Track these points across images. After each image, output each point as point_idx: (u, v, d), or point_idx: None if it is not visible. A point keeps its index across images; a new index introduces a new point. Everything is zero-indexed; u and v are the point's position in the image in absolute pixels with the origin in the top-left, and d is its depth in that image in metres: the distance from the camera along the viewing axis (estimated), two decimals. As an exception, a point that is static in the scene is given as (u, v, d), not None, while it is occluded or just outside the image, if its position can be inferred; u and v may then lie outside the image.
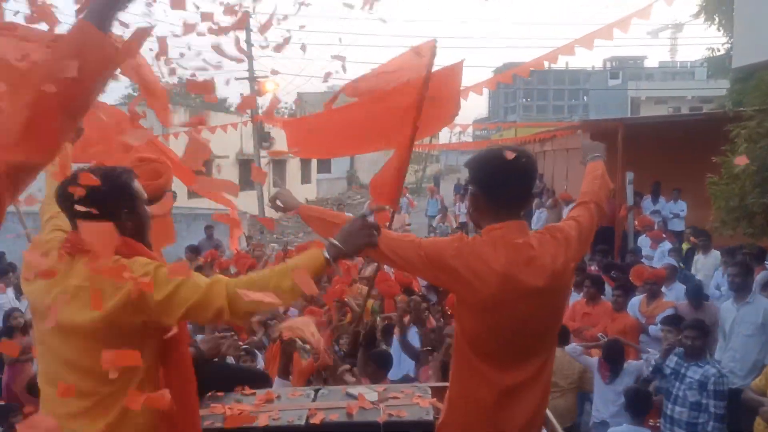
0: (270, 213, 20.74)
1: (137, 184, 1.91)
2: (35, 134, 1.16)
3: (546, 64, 4.95)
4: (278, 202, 2.19)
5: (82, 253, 1.75)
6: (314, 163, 28.17)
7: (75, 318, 1.72)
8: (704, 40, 25.32)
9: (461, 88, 5.03)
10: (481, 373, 1.90)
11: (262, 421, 2.25)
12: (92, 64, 1.23)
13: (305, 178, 27.68)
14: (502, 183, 1.89)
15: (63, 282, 1.76)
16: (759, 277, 6.16)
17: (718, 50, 15.60)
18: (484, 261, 1.82)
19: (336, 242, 1.83)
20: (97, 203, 1.73)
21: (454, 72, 4.84)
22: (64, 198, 1.80)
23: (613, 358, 4.83)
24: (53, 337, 1.78)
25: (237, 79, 20.12)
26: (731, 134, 7.19)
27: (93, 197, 1.71)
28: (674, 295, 6.48)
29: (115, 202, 1.82)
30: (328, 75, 6.50)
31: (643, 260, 8.76)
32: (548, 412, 2.24)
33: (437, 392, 2.48)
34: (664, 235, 9.39)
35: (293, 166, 25.58)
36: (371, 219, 1.94)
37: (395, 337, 4.85)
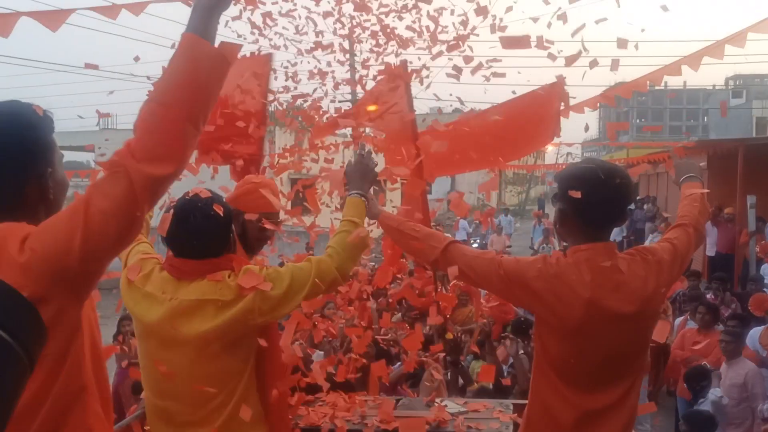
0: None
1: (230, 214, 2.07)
2: (168, 147, 1.27)
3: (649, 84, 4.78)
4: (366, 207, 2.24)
5: (190, 277, 1.94)
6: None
7: (199, 328, 1.88)
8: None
9: (573, 105, 4.97)
10: (562, 394, 1.85)
11: (340, 424, 2.32)
12: (205, 73, 1.29)
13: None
14: (594, 203, 1.82)
15: (172, 300, 1.92)
16: None
17: None
18: (568, 285, 1.78)
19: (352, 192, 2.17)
20: (221, 234, 2.00)
21: (554, 90, 4.80)
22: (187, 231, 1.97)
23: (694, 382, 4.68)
24: (163, 351, 1.93)
25: (341, 101, 20.78)
26: None
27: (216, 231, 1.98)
28: None
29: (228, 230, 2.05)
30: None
31: (766, 290, 8.14)
32: None
33: (519, 409, 2.46)
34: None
35: (391, 187, 25.86)
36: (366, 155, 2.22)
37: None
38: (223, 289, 1.90)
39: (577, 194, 1.81)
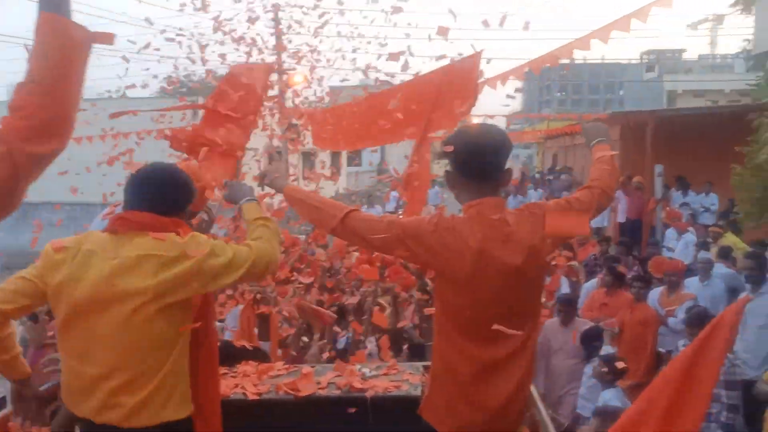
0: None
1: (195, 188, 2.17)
2: (50, 128, 1.31)
3: (579, 56, 4.93)
4: (266, 180, 2.29)
5: (135, 230, 1.93)
6: (344, 155, 28.34)
7: (139, 284, 1.86)
8: (745, 31, 24.57)
9: (485, 79, 5.08)
10: (462, 348, 1.95)
11: (251, 393, 2.33)
12: (69, 51, 1.32)
13: (334, 171, 27.84)
14: (470, 157, 1.95)
15: (114, 259, 1.89)
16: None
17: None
18: (460, 237, 1.88)
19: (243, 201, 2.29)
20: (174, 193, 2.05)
21: (471, 63, 4.90)
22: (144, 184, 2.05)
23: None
24: (96, 316, 1.88)
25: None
26: (754, 123, 7.10)
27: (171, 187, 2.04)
28: (711, 291, 6.26)
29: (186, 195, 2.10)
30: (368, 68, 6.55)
31: (669, 252, 8.71)
32: (533, 389, 2.26)
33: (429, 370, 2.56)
34: (690, 228, 9.30)
35: (323, 158, 25.76)
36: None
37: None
38: (167, 246, 1.90)
39: (450, 148, 1.96)
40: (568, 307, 5.40)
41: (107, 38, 1.37)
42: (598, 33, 4.53)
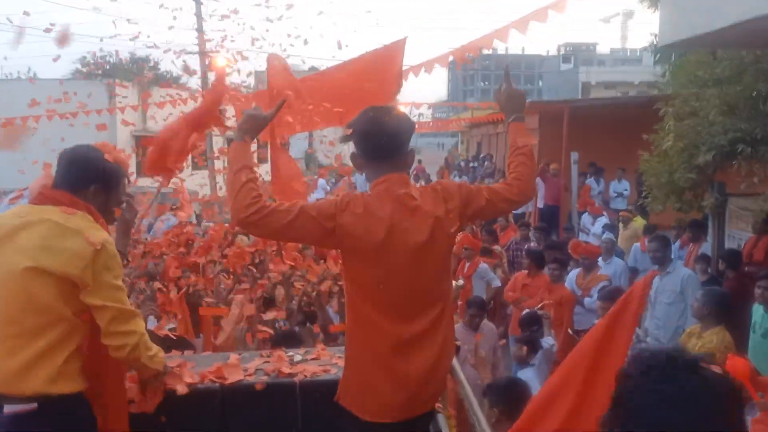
0: (224, 192, 20.47)
1: (110, 167, 2.13)
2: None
3: (504, 48, 5.03)
4: (245, 118, 2.13)
5: (49, 204, 2.00)
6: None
7: (26, 243, 1.91)
8: (652, 26, 25.96)
9: (413, 66, 5.13)
10: (376, 325, 1.97)
11: (179, 383, 2.27)
12: None
13: (262, 158, 27.36)
14: (370, 137, 2.02)
15: (20, 219, 1.97)
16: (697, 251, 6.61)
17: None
18: (370, 211, 1.94)
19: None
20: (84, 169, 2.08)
21: (396, 49, 4.94)
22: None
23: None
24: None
25: (187, 53, 19.70)
26: (660, 113, 7.53)
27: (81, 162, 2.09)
28: (612, 269, 6.78)
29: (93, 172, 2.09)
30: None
31: (584, 236, 9.16)
32: (456, 365, 2.31)
33: None
34: (603, 212, 9.78)
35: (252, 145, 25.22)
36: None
37: None
38: (69, 219, 1.96)
39: (348, 131, 2.06)
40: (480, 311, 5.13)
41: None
42: (516, 24, 4.69)
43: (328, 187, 17.29)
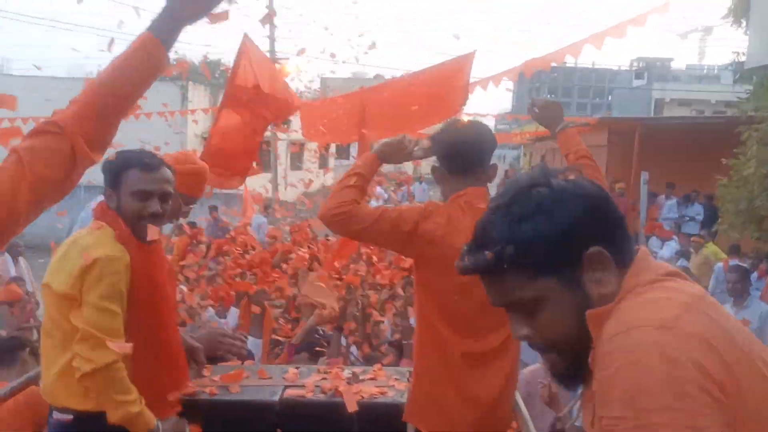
0: (287, 196, 20.87)
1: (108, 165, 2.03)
2: (109, 138, 1.33)
3: (572, 61, 4.92)
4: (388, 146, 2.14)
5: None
6: (333, 148, 28.21)
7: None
8: (733, 43, 24.84)
9: (481, 80, 5.07)
10: (447, 339, 1.94)
11: (235, 395, 2.27)
12: (151, 78, 1.32)
13: (323, 163, 27.73)
14: (455, 151, 2.00)
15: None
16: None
17: (744, 54, 15.31)
18: (452, 222, 1.92)
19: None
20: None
21: (464, 63, 4.89)
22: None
23: None
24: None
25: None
26: (743, 137, 7.16)
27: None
28: None
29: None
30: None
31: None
32: (519, 399, 2.22)
33: None
34: (674, 236, 9.37)
35: (312, 150, 25.65)
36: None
37: None
38: (88, 234, 1.94)
39: (428, 143, 2.06)
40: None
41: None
42: (592, 38, 4.54)
43: (386, 195, 17.29)
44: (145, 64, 1.30)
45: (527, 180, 1.03)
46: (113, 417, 1.85)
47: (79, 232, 2.01)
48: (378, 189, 17.42)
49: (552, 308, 0.97)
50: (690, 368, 0.79)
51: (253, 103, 4.53)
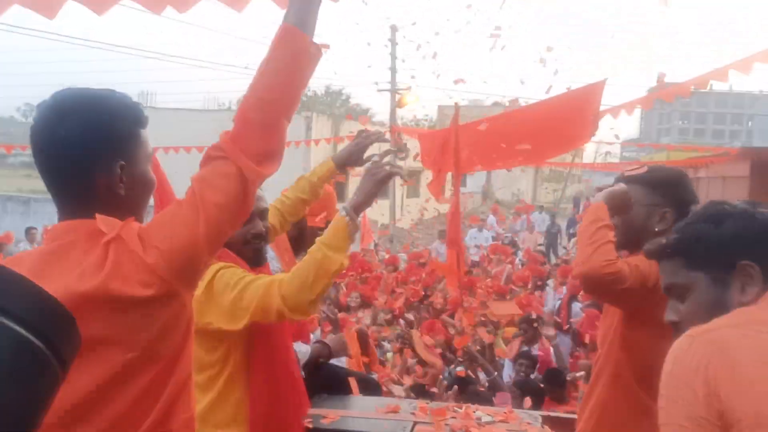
0: (402, 223, 21.10)
1: None
2: (276, 146, 1.25)
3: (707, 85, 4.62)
4: None
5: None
6: (449, 176, 28.16)
7: None
8: None
9: (612, 107, 4.90)
10: (639, 402, 1.80)
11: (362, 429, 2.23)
12: (305, 69, 1.26)
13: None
14: (692, 201, 1.93)
15: None
16: None
17: None
18: None
19: (350, 202, 1.82)
20: None
21: (594, 91, 4.74)
22: None
23: None
24: None
25: (379, 90, 20.81)
26: None
27: None
28: None
29: None
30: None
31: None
32: None
33: (548, 421, 2.37)
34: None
35: (427, 178, 25.78)
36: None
37: None
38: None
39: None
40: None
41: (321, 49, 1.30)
42: (738, 64, 4.22)
43: (495, 226, 16.63)
44: (289, 57, 1.24)
45: (716, 203, 1.27)
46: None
47: None
48: (490, 218, 16.96)
49: (695, 298, 1.20)
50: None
51: None
